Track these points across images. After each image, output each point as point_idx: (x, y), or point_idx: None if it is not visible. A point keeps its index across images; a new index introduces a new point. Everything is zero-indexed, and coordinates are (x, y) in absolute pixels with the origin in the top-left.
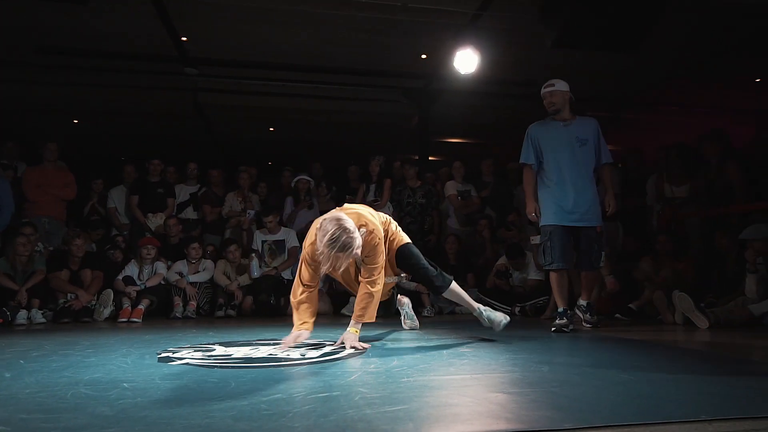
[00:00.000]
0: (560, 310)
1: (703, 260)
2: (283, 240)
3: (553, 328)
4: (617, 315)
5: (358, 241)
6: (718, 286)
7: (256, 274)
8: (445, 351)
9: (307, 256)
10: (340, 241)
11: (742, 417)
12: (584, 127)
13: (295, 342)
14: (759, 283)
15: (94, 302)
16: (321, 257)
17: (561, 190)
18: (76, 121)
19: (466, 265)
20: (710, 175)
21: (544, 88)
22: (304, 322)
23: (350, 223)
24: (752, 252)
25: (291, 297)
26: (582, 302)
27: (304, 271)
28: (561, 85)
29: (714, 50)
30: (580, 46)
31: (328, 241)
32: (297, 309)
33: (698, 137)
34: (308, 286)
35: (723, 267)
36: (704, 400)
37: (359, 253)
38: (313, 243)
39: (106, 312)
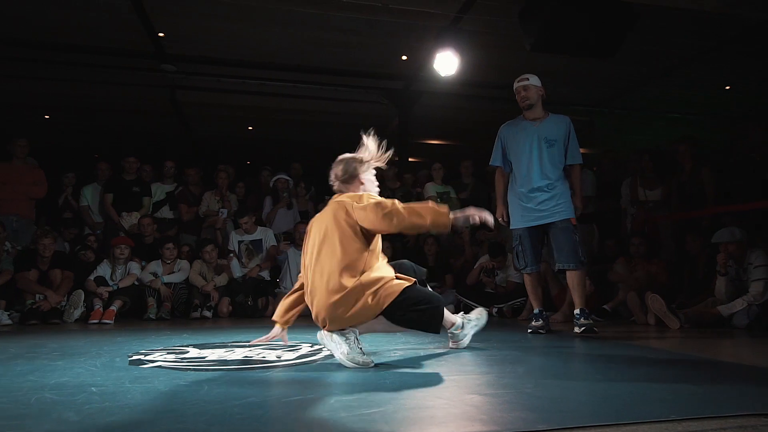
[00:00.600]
0: (536, 311)
1: (676, 262)
2: (261, 240)
3: (529, 330)
4: (592, 316)
5: None
6: (689, 288)
7: (238, 273)
8: (421, 352)
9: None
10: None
11: (709, 416)
12: (554, 126)
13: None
14: (728, 286)
15: (63, 303)
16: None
17: (527, 192)
18: (47, 117)
19: (444, 267)
20: (683, 179)
21: (518, 82)
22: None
23: None
24: (724, 255)
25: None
26: (575, 311)
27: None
28: (535, 80)
29: (687, 57)
30: (558, 50)
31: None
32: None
33: (672, 142)
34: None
35: (694, 269)
36: (674, 400)
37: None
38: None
39: (77, 313)
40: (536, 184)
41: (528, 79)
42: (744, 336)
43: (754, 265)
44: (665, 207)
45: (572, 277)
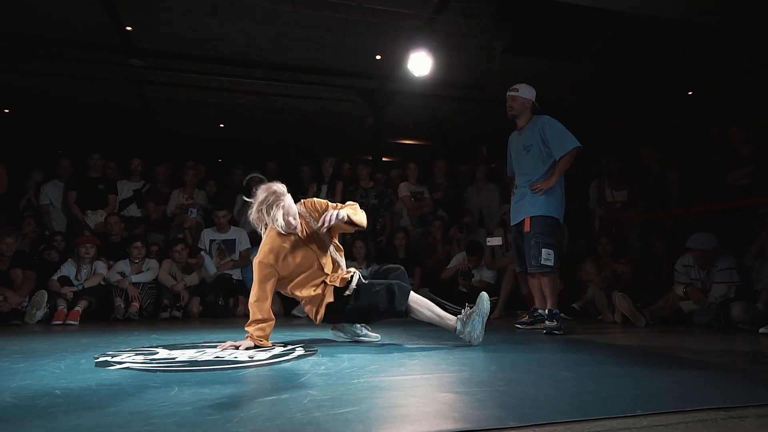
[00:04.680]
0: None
1: (641, 261)
2: (234, 240)
3: (544, 331)
4: (561, 314)
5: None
6: (654, 286)
7: (213, 270)
8: (395, 351)
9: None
10: (267, 201)
11: (672, 411)
12: (530, 131)
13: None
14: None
15: (25, 304)
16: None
17: (515, 196)
18: (7, 111)
19: (414, 261)
20: (649, 180)
21: (508, 91)
22: None
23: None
24: (698, 259)
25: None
26: (540, 311)
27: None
28: (524, 92)
29: (650, 63)
30: (529, 53)
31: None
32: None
33: (640, 144)
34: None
35: (659, 268)
36: (640, 396)
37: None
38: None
39: (39, 314)
40: (520, 189)
41: (517, 90)
42: (705, 333)
43: (718, 268)
44: (632, 207)
45: (533, 281)
